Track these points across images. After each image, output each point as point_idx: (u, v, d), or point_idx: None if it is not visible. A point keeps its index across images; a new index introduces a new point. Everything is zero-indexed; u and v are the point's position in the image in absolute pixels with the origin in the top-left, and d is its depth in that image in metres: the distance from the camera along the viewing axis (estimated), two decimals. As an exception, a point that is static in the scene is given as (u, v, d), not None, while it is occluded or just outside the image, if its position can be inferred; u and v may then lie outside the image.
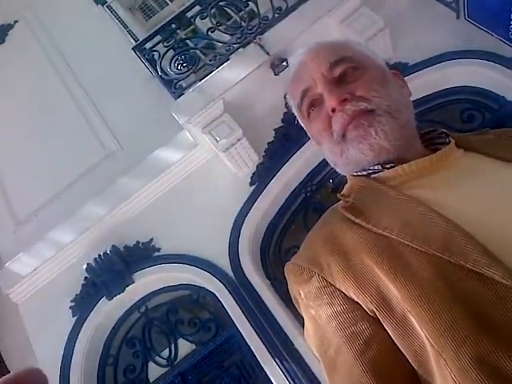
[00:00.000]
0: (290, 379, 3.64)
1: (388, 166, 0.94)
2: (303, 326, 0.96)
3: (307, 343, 0.96)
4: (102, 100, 4.98)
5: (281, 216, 4.35)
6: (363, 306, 0.80)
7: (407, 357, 0.76)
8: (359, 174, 1.00)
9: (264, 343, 3.78)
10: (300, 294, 0.90)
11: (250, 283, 4.01)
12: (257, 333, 3.82)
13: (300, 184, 4.39)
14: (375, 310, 0.78)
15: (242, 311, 3.93)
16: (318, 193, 4.32)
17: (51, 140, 4.90)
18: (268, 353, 3.76)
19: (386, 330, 0.78)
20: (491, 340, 0.66)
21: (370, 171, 0.98)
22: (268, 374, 3.74)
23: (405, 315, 0.75)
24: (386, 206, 0.86)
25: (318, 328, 0.87)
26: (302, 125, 1.13)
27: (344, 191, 1.01)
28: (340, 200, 0.99)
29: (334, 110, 0.96)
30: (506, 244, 0.72)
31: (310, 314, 0.89)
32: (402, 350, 0.76)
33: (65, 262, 4.48)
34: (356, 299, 0.81)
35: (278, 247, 4.28)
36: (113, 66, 5.03)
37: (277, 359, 3.71)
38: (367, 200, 0.91)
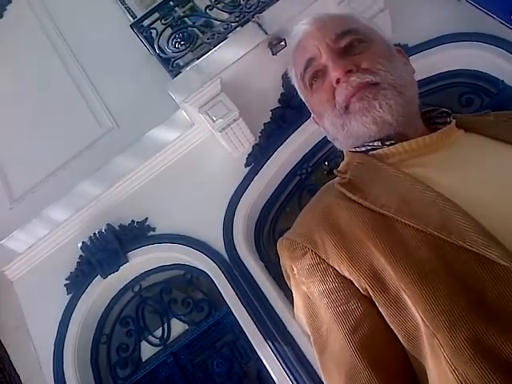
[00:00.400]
0: (281, 361, 3.65)
1: (388, 142, 0.93)
2: (291, 301, 0.96)
3: (297, 319, 0.96)
4: (99, 77, 4.96)
5: (276, 197, 4.34)
6: (356, 284, 0.79)
7: (399, 336, 0.75)
8: (357, 150, 0.98)
9: (256, 325, 3.80)
10: (293, 269, 0.89)
11: (243, 264, 4.01)
12: (249, 314, 3.84)
13: (295, 166, 4.38)
14: (368, 288, 0.77)
15: (236, 292, 3.94)
16: (314, 175, 4.31)
17: (48, 117, 4.90)
18: (260, 334, 3.77)
19: (378, 310, 0.77)
20: (486, 321, 0.65)
21: (369, 147, 0.95)
22: (260, 355, 3.76)
23: (398, 294, 0.73)
24: (384, 184, 0.85)
25: (309, 305, 0.86)
26: (302, 96, 1.10)
27: (341, 168, 0.99)
28: (336, 177, 0.97)
29: (338, 81, 0.93)
30: (505, 225, 0.71)
31: (301, 290, 0.88)
32: (393, 329, 0.76)
33: (60, 239, 4.50)
34: (349, 276, 0.80)
35: (272, 229, 4.28)
36: (110, 43, 5.00)
37: (269, 341, 3.73)
38: (365, 177, 0.89)
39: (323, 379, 0.86)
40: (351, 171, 0.93)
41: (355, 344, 0.77)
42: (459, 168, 0.86)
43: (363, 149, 0.97)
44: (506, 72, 4.02)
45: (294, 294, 0.93)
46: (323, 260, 0.83)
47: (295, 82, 1.09)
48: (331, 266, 0.82)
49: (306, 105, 1.11)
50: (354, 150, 0.99)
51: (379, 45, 0.99)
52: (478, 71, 4.17)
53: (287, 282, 0.95)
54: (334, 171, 0.98)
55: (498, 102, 4.01)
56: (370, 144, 0.95)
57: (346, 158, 1.00)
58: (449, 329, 0.67)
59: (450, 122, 0.97)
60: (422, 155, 0.90)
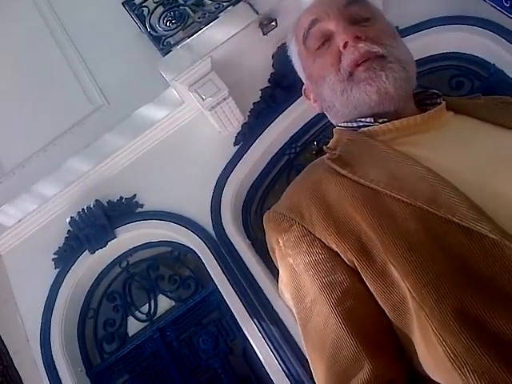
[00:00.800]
0: (266, 338, 3.68)
1: (380, 120, 0.93)
2: (277, 280, 0.95)
3: (281, 294, 0.95)
4: (90, 55, 4.95)
5: (264, 177, 4.35)
6: (342, 257, 0.79)
7: (385, 309, 0.75)
8: (348, 125, 0.98)
9: (243, 302, 3.82)
10: (279, 242, 0.88)
11: (230, 242, 4.03)
12: (236, 292, 3.86)
13: (284, 145, 4.38)
14: (354, 260, 0.77)
15: (222, 270, 3.96)
16: (302, 155, 4.32)
17: (39, 93, 4.90)
18: (246, 312, 3.80)
19: (364, 282, 0.77)
20: (474, 293, 0.66)
21: (361, 124, 0.96)
22: (245, 332, 3.80)
23: (385, 266, 0.73)
24: (374, 159, 0.85)
25: (294, 277, 0.86)
26: (300, 64, 1.07)
27: (330, 144, 0.99)
28: (325, 154, 0.96)
29: (345, 45, 0.93)
30: (495, 203, 0.72)
31: (287, 262, 0.87)
32: (380, 302, 0.75)
33: (49, 214, 4.52)
34: (336, 248, 0.80)
35: (259, 208, 4.29)
36: (102, 20, 4.98)
37: (255, 319, 3.75)
38: (355, 153, 0.89)
39: (306, 351, 0.86)
40: (341, 147, 0.93)
41: (341, 315, 0.77)
42: (450, 147, 0.86)
43: (354, 125, 0.97)
44: (497, 56, 4.02)
45: (279, 268, 0.93)
46: (310, 232, 0.83)
47: (294, 50, 1.08)
48: (318, 238, 0.82)
49: (301, 74, 1.09)
50: (343, 126, 1.00)
51: (385, 23, 1.00)
52: (469, 54, 4.17)
53: (272, 256, 0.95)
54: (324, 147, 0.98)
55: (489, 86, 4.01)
56: (363, 120, 0.95)
57: (335, 136, 1.00)
58: (436, 300, 0.67)
59: (440, 103, 0.97)
60: (413, 134, 0.90)
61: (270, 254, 0.95)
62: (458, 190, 0.73)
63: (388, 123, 0.91)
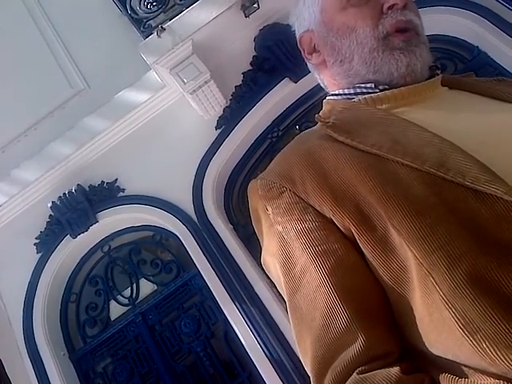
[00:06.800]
0: (248, 322, 3.69)
1: (381, 87, 0.91)
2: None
3: (265, 266, 0.93)
4: (70, 38, 4.89)
5: (245, 161, 4.33)
6: (338, 225, 0.77)
7: (383, 278, 0.73)
8: (345, 92, 0.96)
9: (224, 286, 3.82)
10: (267, 209, 0.85)
11: (212, 226, 4.03)
12: (217, 276, 3.86)
13: (266, 129, 4.36)
14: (352, 227, 0.74)
15: (204, 254, 3.96)
16: (284, 138, 4.28)
17: (18, 78, 4.85)
18: (228, 296, 3.81)
19: (359, 252, 0.75)
20: (488, 256, 0.63)
21: (359, 91, 0.94)
22: (227, 316, 3.80)
23: (386, 234, 0.71)
24: (374, 126, 0.81)
25: (284, 245, 0.82)
26: (317, 4, 1.01)
27: (322, 114, 0.95)
28: (316, 124, 0.93)
29: (392, 7, 0.91)
30: (504, 164, 0.70)
31: (275, 230, 0.84)
32: (378, 270, 0.73)
33: (30, 199, 4.50)
34: (331, 216, 0.77)
35: (241, 192, 4.27)
36: (82, 2, 4.91)
37: (236, 302, 3.76)
38: (351, 120, 0.86)
39: (291, 322, 0.83)
40: (335, 116, 0.89)
41: (334, 284, 0.74)
42: (451, 114, 0.85)
43: (352, 91, 0.95)
44: (480, 38, 3.98)
45: (264, 237, 0.89)
46: (302, 199, 0.80)
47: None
48: (311, 206, 0.79)
49: (309, 18, 1.02)
50: (337, 94, 0.98)
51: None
52: (453, 37, 4.13)
53: (255, 226, 0.92)
54: (316, 116, 0.93)
55: (472, 69, 3.97)
56: (362, 85, 0.93)
57: (326, 106, 0.97)
58: (448, 266, 0.64)
59: (438, 74, 0.96)
60: (411, 104, 0.88)
61: (254, 223, 0.92)
62: (467, 153, 0.70)
63: (388, 91, 0.90)
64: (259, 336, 3.63)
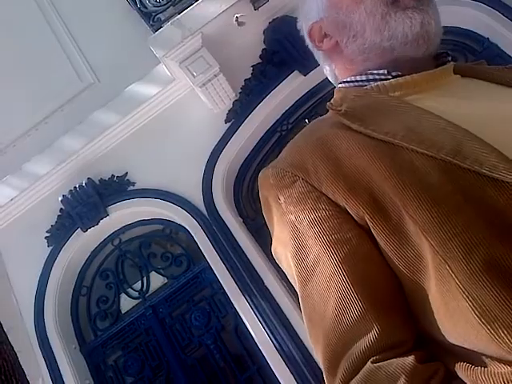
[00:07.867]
0: (258, 315, 3.70)
1: (394, 73, 0.89)
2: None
3: (276, 256, 0.91)
4: (80, 32, 4.91)
5: (255, 154, 4.34)
6: (352, 214, 0.75)
7: (399, 267, 0.72)
8: (357, 79, 0.94)
9: (234, 279, 3.84)
10: (279, 198, 0.83)
11: (222, 220, 4.04)
12: (227, 269, 3.87)
13: (276, 122, 4.36)
14: (366, 216, 0.73)
15: (214, 247, 3.97)
16: (294, 132, 4.28)
17: (29, 72, 4.87)
18: (238, 289, 3.82)
19: (373, 241, 0.74)
20: (505, 245, 0.62)
21: (371, 77, 0.92)
22: (237, 309, 3.82)
23: (401, 222, 0.70)
24: (387, 113, 0.80)
25: (296, 235, 0.80)
26: None
27: (333, 102, 0.92)
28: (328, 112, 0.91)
29: None
30: None
31: (288, 219, 0.82)
32: (393, 259, 0.72)
33: (41, 193, 4.53)
34: (345, 205, 0.75)
35: (251, 185, 4.28)
36: (92, -4, 4.94)
37: (246, 295, 3.77)
38: (364, 108, 0.83)
39: (303, 312, 0.82)
40: (347, 103, 0.87)
41: (347, 273, 0.73)
42: (465, 100, 0.84)
43: (363, 78, 0.93)
44: (491, 29, 3.96)
45: (275, 226, 0.87)
46: (315, 188, 0.79)
47: None
48: (324, 195, 0.78)
49: (315, 7, 1.02)
50: (348, 81, 0.96)
51: None
52: (463, 28, 4.11)
53: (266, 215, 0.90)
54: (327, 104, 0.91)
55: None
56: (375, 72, 0.92)
57: (337, 94, 0.95)
58: (464, 253, 0.63)
59: (450, 61, 0.94)
60: (424, 91, 0.86)
61: (264, 212, 0.90)
62: (483, 141, 0.69)
63: (400, 78, 0.88)
64: (269, 329, 3.64)
